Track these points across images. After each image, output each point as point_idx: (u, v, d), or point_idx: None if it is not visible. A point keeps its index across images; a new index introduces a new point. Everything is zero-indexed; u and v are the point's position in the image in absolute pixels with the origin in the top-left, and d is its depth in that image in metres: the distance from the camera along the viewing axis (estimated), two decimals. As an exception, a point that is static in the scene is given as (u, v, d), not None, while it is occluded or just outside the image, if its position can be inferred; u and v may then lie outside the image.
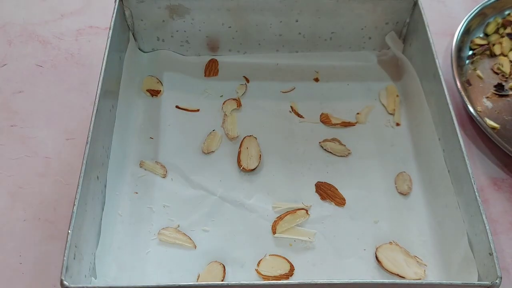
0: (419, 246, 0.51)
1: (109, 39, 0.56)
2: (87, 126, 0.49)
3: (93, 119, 0.50)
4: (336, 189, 0.54)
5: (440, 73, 0.54)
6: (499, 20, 0.69)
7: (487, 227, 0.45)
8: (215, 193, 0.54)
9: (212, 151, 0.57)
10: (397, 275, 0.48)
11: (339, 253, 0.50)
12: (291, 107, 0.61)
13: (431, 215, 0.53)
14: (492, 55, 0.67)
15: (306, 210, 0.52)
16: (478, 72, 0.65)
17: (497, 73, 0.65)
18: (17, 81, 0.65)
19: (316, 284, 0.42)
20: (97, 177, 0.50)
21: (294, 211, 0.52)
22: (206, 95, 0.62)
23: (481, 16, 0.69)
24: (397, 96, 0.62)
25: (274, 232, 0.51)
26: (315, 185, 0.55)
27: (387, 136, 0.59)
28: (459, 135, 0.50)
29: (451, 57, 0.64)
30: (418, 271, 0.48)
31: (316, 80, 0.63)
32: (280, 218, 0.52)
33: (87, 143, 0.48)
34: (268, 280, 0.48)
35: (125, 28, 0.62)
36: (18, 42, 0.69)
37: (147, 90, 0.61)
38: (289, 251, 0.50)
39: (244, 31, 0.63)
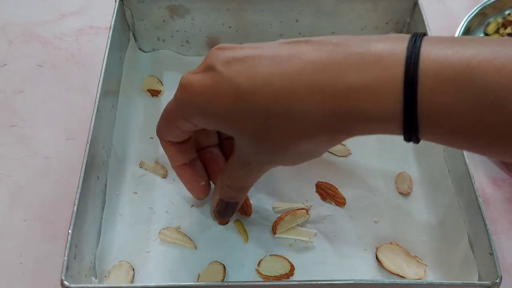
0: (419, 246, 0.51)
1: (109, 39, 0.56)
2: (88, 126, 0.49)
3: (93, 119, 0.50)
4: (337, 189, 0.54)
5: (440, 73, 0.54)
6: (499, 20, 0.69)
7: (487, 227, 0.45)
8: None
9: (212, 151, 0.57)
10: (397, 275, 0.48)
11: (339, 253, 0.50)
12: (291, 107, 0.61)
13: (431, 215, 0.53)
14: (492, 55, 0.67)
15: (307, 210, 0.52)
16: (478, 72, 0.65)
17: (497, 73, 0.65)
18: (18, 81, 0.65)
19: (316, 284, 0.42)
20: (98, 177, 0.50)
21: (295, 211, 0.52)
22: (206, 95, 0.62)
23: (481, 16, 0.69)
24: (397, 96, 0.62)
25: (274, 232, 0.51)
26: (316, 185, 0.55)
27: (387, 136, 0.58)
28: (459, 135, 0.50)
29: (451, 57, 0.64)
30: (418, 271, 0.48)
31: (316, 80, 0.63)
32: (280, 218, 0.51)
33: (87, 143, 0.48)
34: (269, 280, 0.48)
35: (125, 28, 0.62)
36: (19, 42, 0.69)
37: (148, 90, 0.61)
38: (290, 251, 0.50)
39: (244, 31, 0.63)
